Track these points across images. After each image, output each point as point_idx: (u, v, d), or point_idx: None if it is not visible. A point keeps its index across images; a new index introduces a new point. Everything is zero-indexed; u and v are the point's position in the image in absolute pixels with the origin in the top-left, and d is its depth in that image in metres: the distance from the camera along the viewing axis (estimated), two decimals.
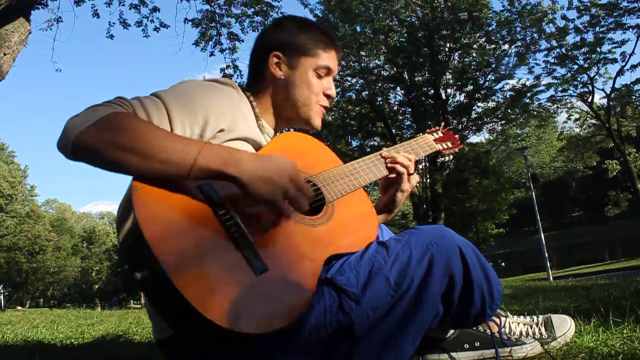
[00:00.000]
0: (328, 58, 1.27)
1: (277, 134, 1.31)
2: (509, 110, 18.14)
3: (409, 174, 1.33)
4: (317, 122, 1.28)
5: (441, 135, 1.54)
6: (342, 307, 1.00)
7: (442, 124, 1.58)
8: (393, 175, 1.34)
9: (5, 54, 4.18)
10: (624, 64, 17.16)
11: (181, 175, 0.91)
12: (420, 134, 1.54)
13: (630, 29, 16.28)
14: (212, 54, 8.86)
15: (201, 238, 0.90)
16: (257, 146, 1.15)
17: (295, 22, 1.29)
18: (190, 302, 0.80)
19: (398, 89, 18.20)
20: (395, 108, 18.75)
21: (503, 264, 34.23)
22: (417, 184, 19.01)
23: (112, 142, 0.88)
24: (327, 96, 1.28)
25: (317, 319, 0.98)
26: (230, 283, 0.87)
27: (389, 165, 1.32)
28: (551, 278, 14.97)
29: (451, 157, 1.58)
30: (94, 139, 0.88)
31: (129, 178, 0.93)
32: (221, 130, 1.06)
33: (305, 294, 0.95)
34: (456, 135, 1.58)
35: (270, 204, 0.96)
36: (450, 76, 17.45)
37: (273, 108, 1.26)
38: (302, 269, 0.98)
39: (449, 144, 1.53)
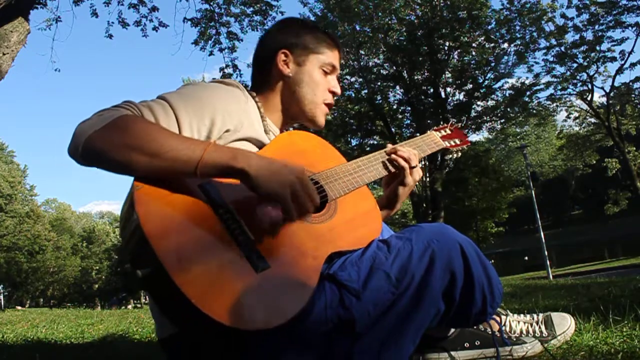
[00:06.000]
0: (332, 56, 1.31)
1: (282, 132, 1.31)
2: (509, 109, 18.14)
3: (411, 167, 1.33)
4: (321, 121, 1.31)
5: (449, 132, 1.55)
6: (342, 302, 1.00)
7: (451, 121, 1.59)
8: (395, 170, 1.34)
9: (4, 54, 4.17)
10: (623, 62, 17.21)
11: (188, 172, 0.92)
12: (429, 131, 1.54)
13: (630, 27, 16.31)
14: (211, 54, 8.82)
15: (202, 236, 0.90)
16: (261, 146, 1.16)
17: (299, 23, 1.34)
18: (191, 300, 0.80)
19: (397, 87, 18.18)
20: (394, 107, 18.74)
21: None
22: (417, 183, 18.95)
23: (122, 143, 0.90)
24: (333, 93, 1.32)
25: (317, 314, 0.98)
26: (231, 280, 0.87)
27: (391, 157, 1.33)
28: (551, 276, 14.98)
29: (459, 154, 1.59)
30: (104, 141, 0.90)
31: (131, 178, 0.93)
32: (227, 131, 1.08)
33: (306, 291, 0.94)
34: (464, 132, 1.59)
35: (277, 200, 0.95)
36: (449, 75, 17.44)
37: (280, 106, 1.28)
38: (303, 266, 0.98)
39: (457, 141, 1.54)
